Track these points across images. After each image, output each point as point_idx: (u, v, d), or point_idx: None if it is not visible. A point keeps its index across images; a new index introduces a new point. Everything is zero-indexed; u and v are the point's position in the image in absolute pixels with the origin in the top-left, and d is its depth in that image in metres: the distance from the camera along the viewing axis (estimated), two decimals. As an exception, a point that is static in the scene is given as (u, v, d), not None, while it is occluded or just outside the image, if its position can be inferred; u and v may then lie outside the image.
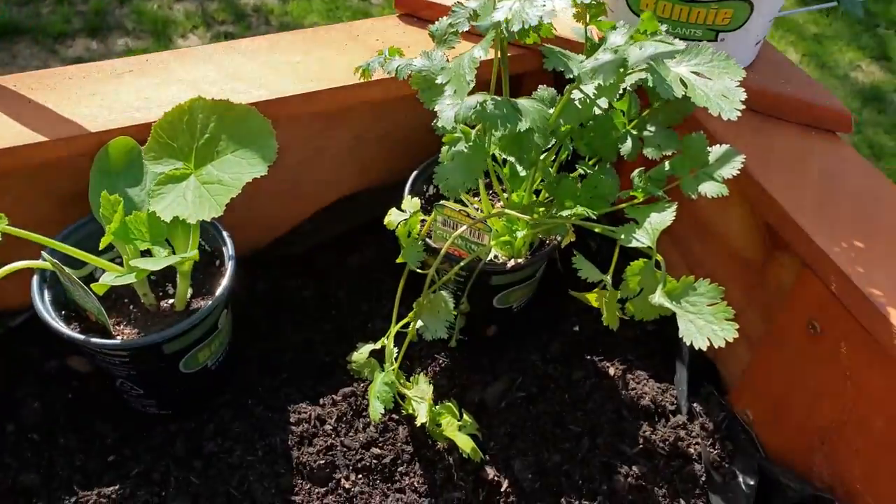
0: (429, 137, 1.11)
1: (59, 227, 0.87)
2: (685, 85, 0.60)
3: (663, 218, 0.65)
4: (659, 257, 0.65)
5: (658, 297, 0.59)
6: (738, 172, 0.68)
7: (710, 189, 0.68)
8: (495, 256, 0.92)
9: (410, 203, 0.88)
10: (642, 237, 0.64)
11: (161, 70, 0.92)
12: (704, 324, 0.55)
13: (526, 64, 0.99)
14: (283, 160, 0.83)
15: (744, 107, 0.60)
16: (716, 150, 0.71)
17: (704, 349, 0.54)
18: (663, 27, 0.86)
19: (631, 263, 0.66)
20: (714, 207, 0.95)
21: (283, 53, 0.96)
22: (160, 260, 0.70)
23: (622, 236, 0.65)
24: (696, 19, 0.83)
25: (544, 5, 0.55)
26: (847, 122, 0.90)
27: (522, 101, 0.63)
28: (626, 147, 0.78)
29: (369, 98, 0.96)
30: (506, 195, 0.89)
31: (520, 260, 0.88)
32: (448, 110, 0.61)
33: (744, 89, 0.60)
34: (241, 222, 0.92)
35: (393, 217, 0.88)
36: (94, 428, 0.91)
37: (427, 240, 0.89)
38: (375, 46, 0.98)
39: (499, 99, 0.61)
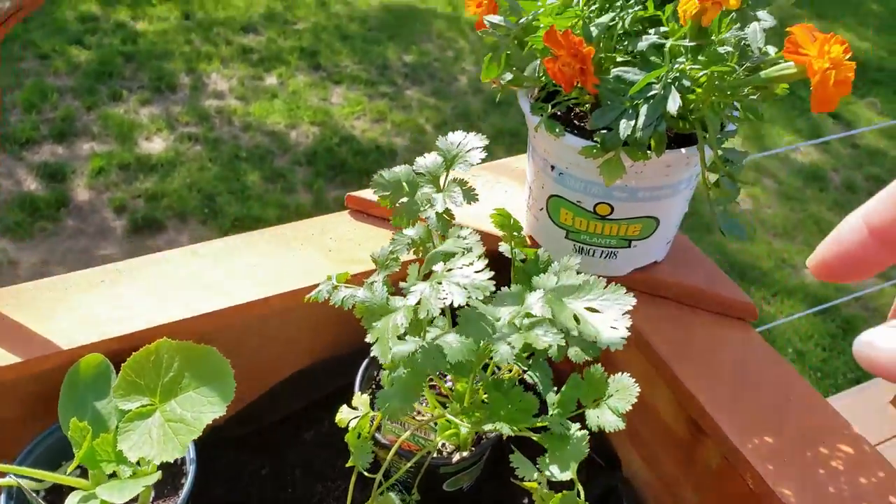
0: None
1: (23, 425, 0.91)
2: (577, 321, 0.65)
3: (579, 452, 0.70)
4: (580, 487, 0.71)
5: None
6: (636, 400, 0.73)
7: (608, 422, 0.72)
8: (443, 445, 0.98)
9: (360, 400, 0.94)
10: (562, 471, 0.70)
11: (131, 278, 0.98)
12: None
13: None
14: (239, 349, 0.91)
15: (628, 334, 0.63)
16: (615, 380, 0.75)
17: None
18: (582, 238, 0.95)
19: (554, 496, 0.72)
20: (646, 384, 1.03)
21: (243, 256, 1.03)
22: (125, 491, 0.75)
23: (541, 465, 0.72)
24: (609, 232, 0.93)
25: (445, 298, 0.63)
26: (753, 311, 0.99)
27: (450, 338, 0.69)
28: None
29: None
30: (448, 385, 0.95)
31: (465, 453, 0.94)
32: (383, 350, 0.69)
33: (630, 319, 0.64)
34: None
35: (344, 415, 0.93)
36: None
37: (377, 434, 0.95)
38: (328, 245, 1.05)
39: (426, 346, 0.68)
